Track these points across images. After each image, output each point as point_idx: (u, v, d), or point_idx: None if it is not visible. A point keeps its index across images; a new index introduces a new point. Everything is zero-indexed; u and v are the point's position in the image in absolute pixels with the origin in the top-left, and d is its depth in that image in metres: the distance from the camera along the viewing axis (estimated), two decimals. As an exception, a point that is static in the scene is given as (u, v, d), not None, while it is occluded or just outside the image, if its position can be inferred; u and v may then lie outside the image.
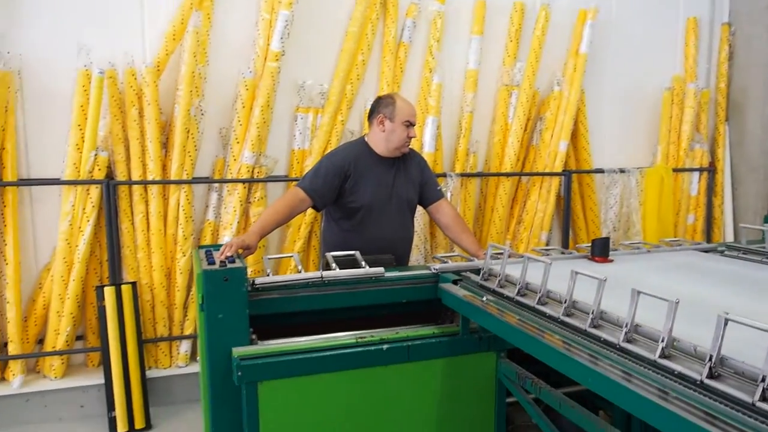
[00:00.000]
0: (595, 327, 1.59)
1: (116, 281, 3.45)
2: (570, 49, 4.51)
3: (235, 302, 2.07)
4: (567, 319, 1.68)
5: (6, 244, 3.32)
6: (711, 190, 5.06)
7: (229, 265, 2.10)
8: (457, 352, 2.24)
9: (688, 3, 4.97)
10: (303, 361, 2.05)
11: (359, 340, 2.14)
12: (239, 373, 1.96)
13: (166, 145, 3.57)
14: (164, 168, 3.54)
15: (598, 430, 1.75)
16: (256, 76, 3.65)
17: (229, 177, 3.68)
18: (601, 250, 2.46)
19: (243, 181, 3.66)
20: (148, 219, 3.52)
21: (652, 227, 4.67)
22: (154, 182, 3.48)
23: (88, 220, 3.38)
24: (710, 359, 1.22)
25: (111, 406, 3.29)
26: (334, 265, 2.38)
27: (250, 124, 3.64)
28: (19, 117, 3.37)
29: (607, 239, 2.50)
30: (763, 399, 1.10)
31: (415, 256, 3.95)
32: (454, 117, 4.31)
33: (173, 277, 3.61)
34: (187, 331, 3.67)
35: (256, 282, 2.23)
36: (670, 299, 1.34)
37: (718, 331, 1.22)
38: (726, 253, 2.63)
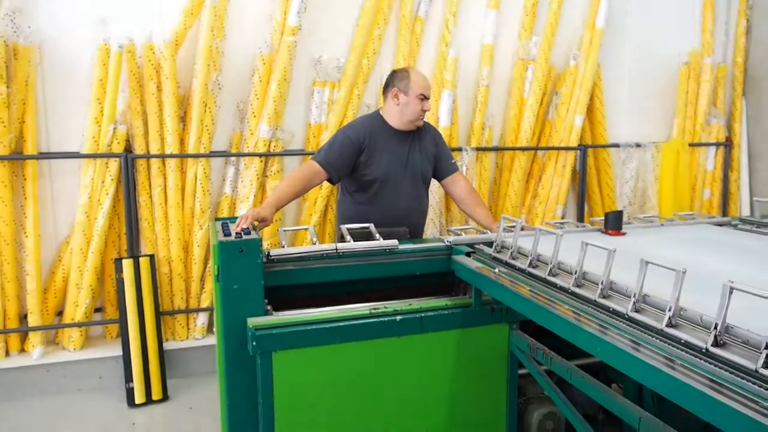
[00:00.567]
0: (604, 297, 1.61)
1: (134, 254, 3.52)
2: (586, 23, 4.45)
3: (251, 273, 2.09)
4: (577, 290, 1.70)
5: (26, 217, 3.39)
6: (727, 165, 5.02)
7: (245, 237, 2.12)
8: (469, 324, 2.25)
9: (707, -25, 4.88)
10: (317, 331, 2.07)
11: (373, 311, 2.16)
12: (254, 343, 1.99)
13: (183, 119, 3.61)
14: (182, 142, 3.58)
15: (610, 401, 1.76)
16: (273, 51, 3.66)
17: (246, 151, 3.72)
18: (614, 223, 2.47)
19: (260, 155, 3.70)
20: (166, 192, 3.57)
21: (667, 202, 4.65)
22: (172, 156, 3.53)
23: (107, 194, 3.44)
24: (715, 327, 1.24)
25: (129, 378, 3.36)
26: (348, 237, 2.41)
27: (267, 98, 3.66)
28: (39, 91, 3.42)
29: (620, 212, 2.50)
30: (766, 365, 1.11)
31: (431, 230, 3.97)
32: (470, 91, 4.29)
33: (190, 250, 3.66)
34: (204, 304, 3.74)
35: (271, 253, 2.26)
36: (677, 269, 1.35)
37: (723, 299, 1.23)
38: (739, 226, 2.62)
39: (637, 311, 1.47)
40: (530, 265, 1.98)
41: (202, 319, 3.77)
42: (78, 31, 3.42)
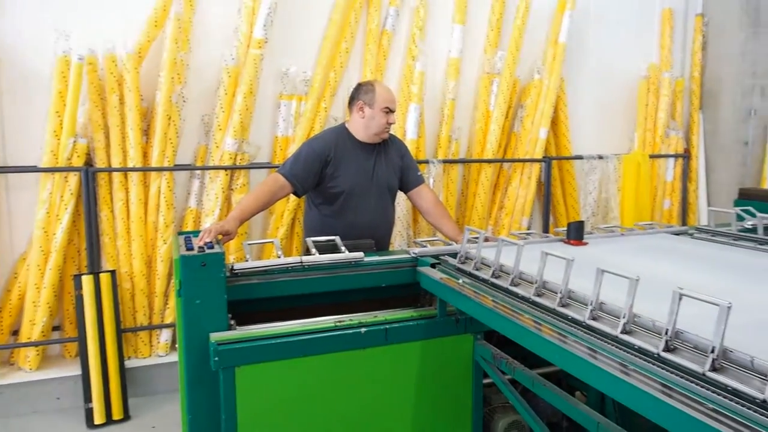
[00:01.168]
0: (563, 306, 1.63)
1: (95, 270, 3.44)
2: (549, 38, 4.55)
3: (213, 287, 2.07)
4: (538, 299, 1.72)
5: (-18, 233, 3.30)
6: (686, 175, 5.17)
7: (207, 251, 2.10)
8: (434, 335, 2.26)
9: (664, -6, 5.05)
10: (281, 345, 2.05)
11: (338, 323, 2.15)
12: (216, 358, 1.96)
13: (147, 132, 3.56)
14: (145, 155, 3.54)
15: (570, 408, 1.78)
16: (239, 63, 3.65)
17: (211, 164, 3.69)
18: (575, 234, 2.51)
19: (225, 168, 3.67)
20: (128, 206, 3.51)
21: (629, 212, 4.76)
22: (134, 169, 3.48)
23: (66, 208, 3.36)
24: (666, 333, 1.27)
25: (88, 398, 3.26)
26: (314, 250, 2.40)
27: (233, 111, 3.64)
28: (-4, 104, 3.34)
29: (581, 223, 2.55)
30: (713, 369, 1.15)
31: (398, 242, 3.99)
32: (436, 104, 4.34)
33: (153, 265, 3.61)
34: (168, 320, 3.68)
35: (235, 267, 2.24)
36: (631, 277, 1.38)
37: (673, 306, 1.26)
38: (695, 235, 2.70)
39: (594, 319, 1.50)
40: (493, 275, 2.00)
41: (165, 335, 3.71)
42: (38, 44, 3.36)
